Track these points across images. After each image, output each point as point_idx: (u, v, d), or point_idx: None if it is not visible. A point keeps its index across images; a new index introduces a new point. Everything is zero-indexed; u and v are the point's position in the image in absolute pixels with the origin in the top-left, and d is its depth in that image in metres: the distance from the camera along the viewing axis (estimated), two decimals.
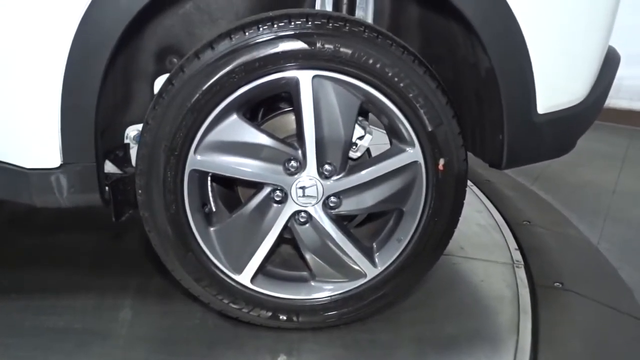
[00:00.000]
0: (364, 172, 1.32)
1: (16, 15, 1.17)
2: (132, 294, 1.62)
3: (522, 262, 1.81)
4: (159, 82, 1.53)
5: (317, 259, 1.38)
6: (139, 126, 1.50)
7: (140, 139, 1.29)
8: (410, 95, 1.26)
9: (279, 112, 1.42)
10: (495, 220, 2.14)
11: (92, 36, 1.19)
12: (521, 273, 1.75)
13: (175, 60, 1.53)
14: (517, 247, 1.91)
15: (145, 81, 1.53)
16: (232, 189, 1.48)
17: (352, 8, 1.44)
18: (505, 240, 1.98)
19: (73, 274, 1.71)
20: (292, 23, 1.21)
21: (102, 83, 1.23)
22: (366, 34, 1.23)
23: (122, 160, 1.52)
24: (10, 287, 1.63)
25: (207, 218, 1.37)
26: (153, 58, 1.51)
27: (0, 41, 1.18)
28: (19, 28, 1.18)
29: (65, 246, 1.90)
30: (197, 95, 1.22)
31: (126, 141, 1.53)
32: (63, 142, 1.25)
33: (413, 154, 1.30)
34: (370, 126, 1.41)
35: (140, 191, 1.30)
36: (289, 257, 1.50)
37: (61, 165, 1.27)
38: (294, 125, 1.40)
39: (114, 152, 1.51)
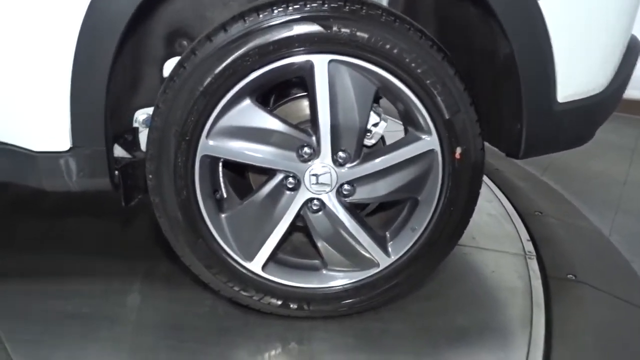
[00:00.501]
0: (378, 160, 1.30)
1: None
2: (140, 278, 1.61)
3: (534, 254, 1.79)
4: (169, 66, 1.50)
5: (330, 248, 1.35)
6: (148, 110, 1.48)
7: (150, 123, 1.27)
8: (428, 81, 1.23)
9: (291, 97, 1.40)
10: (506, 210, 2.11)
11: (102, 18, 1.17)
12: (533, 264, 1.72)
13: (185, 43, 1.49)
14: (529, 238, 1.89)
15: (155, 64, 1.50)
16: (242, 175, 1.45)
17: None
18: (517, 230, 1.95)
19: (80, 257, 1.70)
20: (308, 5, 1.18)
21: (112, 66, 1.20)
22: (383, 17, 1.20)
23: (131, 144, 1.49)
24: (16, 271, 1.62)
25: (218, 204, 1.34)
26: (162, 41, 1.48)
27: (10, 24, 1.16)
28: (28, 11, 1.15)
29: (72, 229, 1.88)
30: (210, 79, 1.20)
31: (135, 125, 1.51)
32: (73, 126, 1.22)
33: (429, 142, 1.27)
34: (384, 114, 1.39)
35: (150, 176, 1.28)
36: (300, 245, 1.48)
37: (70, 148, 1.25)
38: (306, 111, 1.38)
39: (122, 136, 1.49)
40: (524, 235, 1.92)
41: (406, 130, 1.36)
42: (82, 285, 1.56)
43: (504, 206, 2.15)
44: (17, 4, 1.14)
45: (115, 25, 1.17)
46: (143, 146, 1.49)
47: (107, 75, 1.20)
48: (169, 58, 1.49)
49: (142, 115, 1.50)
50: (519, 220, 2.04)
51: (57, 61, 1.17)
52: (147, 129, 1.45)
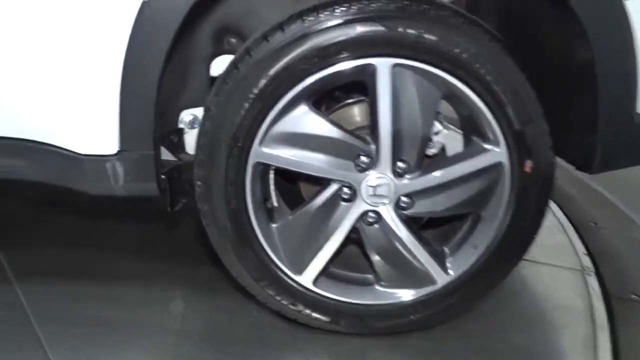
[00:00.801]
0: (441, 171, 1.21)
1: None
2: (182, 284, 1.56)
3: (593, 269, 1.68)
4: (217, 64, 1.43)
5: (385, 263, 1.28)
6: (194, 110, 1.42)
7: (200, 126, 1.21)
8: (498, 89, 1.14)
9: (346, 103, 1.32)
10: (558, 219, 2.00)
11: (156, 16, 1.12)
12: (592, 282, 1.61)
13: (233, 40, 1.43)
14: (585, 252, 1.78)
15: (202, 63, 1.43)
16: (291, 184, 1.38)
17: None
18: (571, 242, 1.84)
19: (121, 261, 1.65)
20: (372, 5, 1.11)
21: (164, 68, 1.14)
22: (452, 19, 1.12)
23: (176, 146, 1.44)
24: (56, 274, 1.58)
25: (269, 214, 1.28)
26: (211, 39, 1.41)
27: (59, 23, 1.11)
28: (79, 8, 1.10)
29: (111, 231, 1.84)
30: (265, 81, 1.13)
31: (180, 126, 1.45)
32: (121, 129, 1.17)
33: (498, 154, 1.19)
34: (445, 122, 1.30)
35: (199, 182, 1.22)
36: (351, 257, 1.41)
37: (118, 152, 1.20)
38: (360, 118, 1.30)
39: (167, 137, 1.43)
40: (580, 248, 1.82)
41: (468, 140, 1.27)
42: (122, 290, 1.52)
43: (556, 216, 2.03)
44: (67, 3, 1.10)
45: (170, 23, 1.12)
46: (188, 148, 1.43)
47: (158, 77, 1.15)
48: (217, 56, 1.43)
49: (188, 116, 1.43)
50: (573, 231, 1.93)
51: (108, 63, 1.13)
52: (193, 130, 1.41)
